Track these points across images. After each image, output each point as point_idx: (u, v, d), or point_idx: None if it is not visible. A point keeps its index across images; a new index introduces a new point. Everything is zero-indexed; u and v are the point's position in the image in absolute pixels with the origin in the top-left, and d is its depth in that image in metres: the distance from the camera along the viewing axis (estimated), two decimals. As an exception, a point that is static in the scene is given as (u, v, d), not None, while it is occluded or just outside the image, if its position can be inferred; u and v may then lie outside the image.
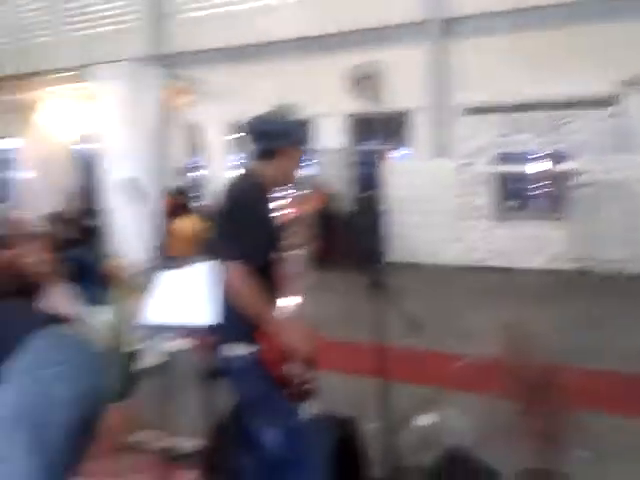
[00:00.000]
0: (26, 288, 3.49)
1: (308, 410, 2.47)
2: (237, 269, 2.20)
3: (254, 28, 11.46)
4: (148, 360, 4.49)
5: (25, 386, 1.75)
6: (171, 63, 11.75)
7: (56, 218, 5.86)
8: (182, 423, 3.77)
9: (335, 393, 3.04)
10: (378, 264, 2.64)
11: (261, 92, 9.52)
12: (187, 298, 2.76)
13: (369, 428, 3.10)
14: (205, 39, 11.92)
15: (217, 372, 2.63)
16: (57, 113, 6.44)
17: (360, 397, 3.11)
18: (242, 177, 2.49)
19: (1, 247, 4.08)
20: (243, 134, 2.45)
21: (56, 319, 2.02)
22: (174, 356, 5.12)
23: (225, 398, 2.77)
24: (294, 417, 2.38)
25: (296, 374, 2.35)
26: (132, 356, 4.28)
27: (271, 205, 2.40)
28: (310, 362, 2.40)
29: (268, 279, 2.31)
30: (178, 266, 2.99)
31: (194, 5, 12.69)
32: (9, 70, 11.25)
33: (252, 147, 2.44)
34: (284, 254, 2.41)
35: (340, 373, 3.71)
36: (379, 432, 2.89)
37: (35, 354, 1.81)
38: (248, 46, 11.61)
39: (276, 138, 2.40)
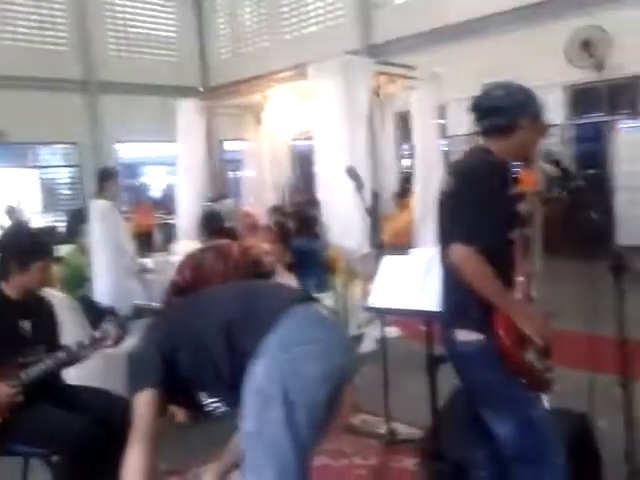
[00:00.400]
0: (259, 275, 3.77)
1: (544, 402, 2.31)
2: (466, 251, 2.07)
3: (461, 6, 11.12)
4: (368, 344, 4.61)
5: (279, 362, 1.81)
6: (381, 52, 11.92)
7: (280, 211, 6.28)
8: (402, 409, 3.80)
9: (566, 387, 2.82)
10: (613, 248, 2.37)
11: (472, 71, 9.22)
12: (410, 283, 2.74)
13: (603, 426, 2.84)
14: (412, 24, 11.85)
15: (441, 358, 2.58)
16: (279, 113, 6.88)
17: (593, 393, 2.84)
18: (472, 155, 2.35)
19: (233, 238, 4.47)
20: (472, 111, 2.32)
21: (306, 298, 2.10)
22: (393, 341, 5.20)
23: (448, 385, 2.72)
24: (531, 408, 2.21)
25: (533, 363, 2.19)
26: (354, 340, 4.42)
27: (507, 183, 2.22)
28: (547, 351, 2.22)
29: (504, 261, 2.15)
30: (400, 252, 2.98)
31: (400, -8, 12.73)
32: (233, 76, 12.31)
33: (482, 124, 2.30)
34: (518, 234, 2.23)
35: (571, 366, 3.42)
36: (617, 431, 2.62)
37: (289, 331, 1.87)
38: (456, 25, 11.30)
39: (513, 111, 2.23)
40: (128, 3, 16.41)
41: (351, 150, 5.08)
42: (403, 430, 3.73)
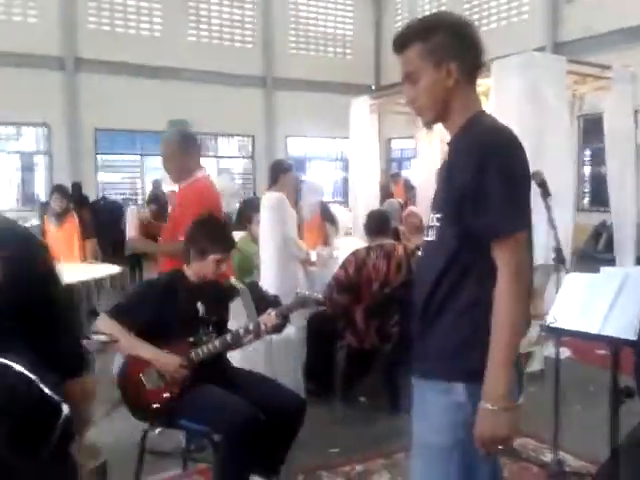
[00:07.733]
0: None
1: None
2: None
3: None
4: (536, 364, 4.29)
5: None
6: (568, 51, 11.14)
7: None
8: (570, 439, 3.46)
9: None
10: None
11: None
12: (597, 305, 2.44)
13: None
14: (607, 20, 10.96)
15: (630, 392, 2.29)
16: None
17: None
18: None
19: (396, 238, 4.35)
20: None
21: None
22: (563, 363, 4.77)
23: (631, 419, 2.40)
24: None
25: None
26: (523, 358, 4.11)
27: None
28: None
29: None
30: (587, 268, 2.67)
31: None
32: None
33: None
34: None
35: None
36: None
37: None
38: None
39: None
40: (312, 2, 16.95)
41: (535, 153, 4.71)
42: (572, 462, 3.41)
